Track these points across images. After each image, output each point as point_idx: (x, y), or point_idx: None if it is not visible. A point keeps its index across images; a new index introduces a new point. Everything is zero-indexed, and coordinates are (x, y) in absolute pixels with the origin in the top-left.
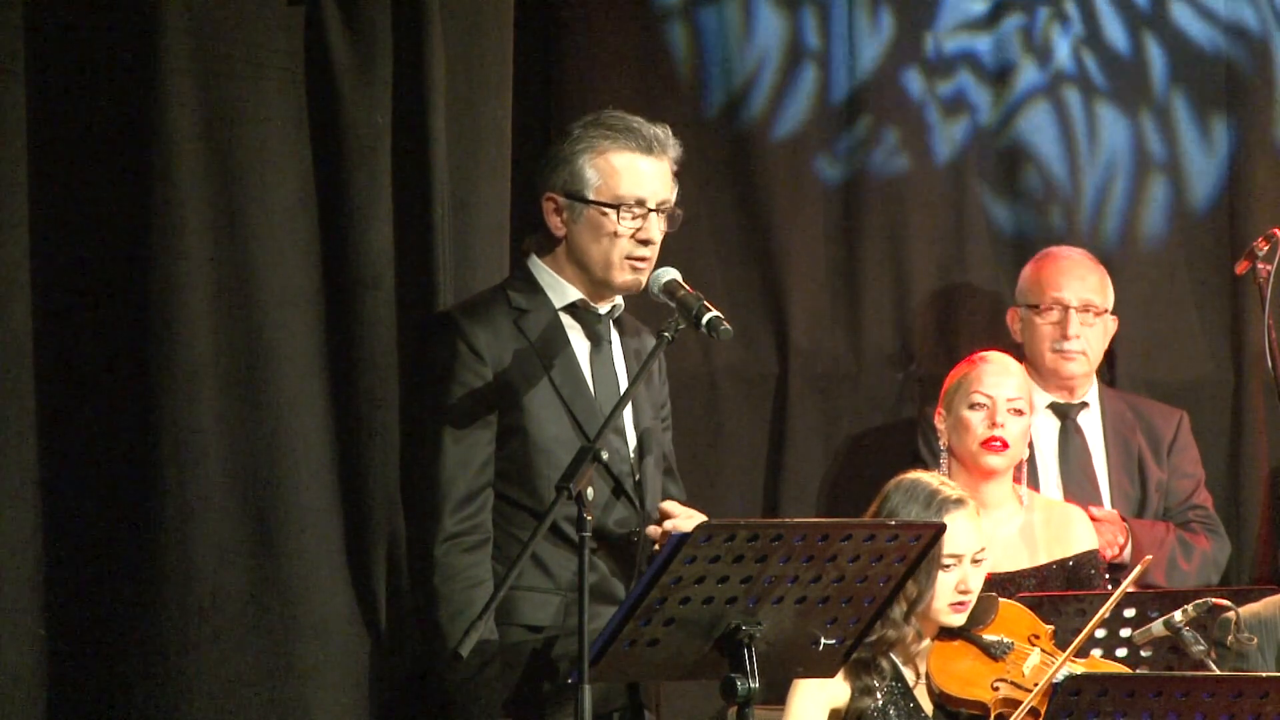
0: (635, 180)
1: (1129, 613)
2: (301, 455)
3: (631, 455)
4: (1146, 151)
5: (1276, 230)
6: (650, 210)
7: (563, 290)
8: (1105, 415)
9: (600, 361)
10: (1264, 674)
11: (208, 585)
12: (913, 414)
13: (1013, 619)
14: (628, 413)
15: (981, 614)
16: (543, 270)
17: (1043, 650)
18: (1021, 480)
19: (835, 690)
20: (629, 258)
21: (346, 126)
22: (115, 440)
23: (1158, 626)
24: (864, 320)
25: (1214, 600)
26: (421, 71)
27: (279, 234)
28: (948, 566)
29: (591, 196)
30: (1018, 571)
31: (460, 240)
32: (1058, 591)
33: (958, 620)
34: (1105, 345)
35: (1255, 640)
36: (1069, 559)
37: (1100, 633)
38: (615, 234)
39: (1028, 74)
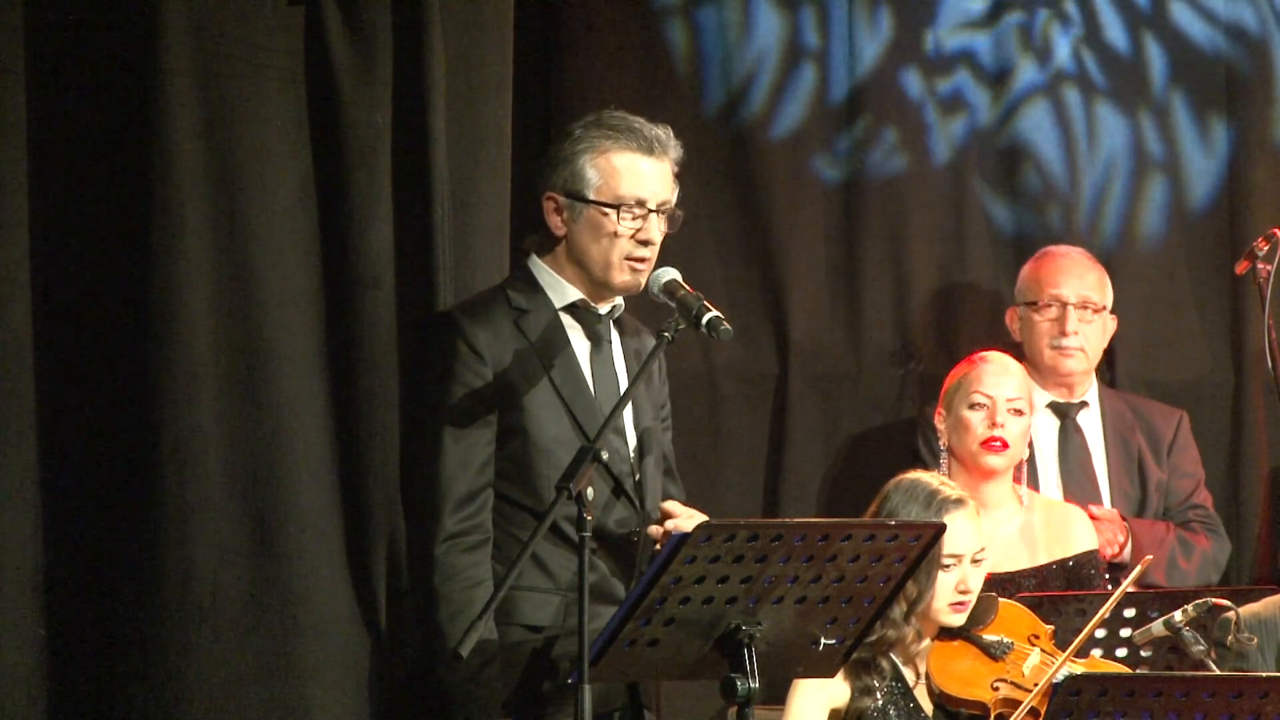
0: (636, 181)
1: (1129, 613)
2: (301, 455)
3: (631, 455)
4: (1145, 151)
5: (1276, 230)
6: (650, 211)
7: (563, 290)
8: (1105, 415)
9: (600, 361)
10: (1264, 674)
11: (208, 585)
12: (913, 414)
13: (1013, 619)
14: (628, 413)
15: (981, 614)
16: (543, 270)
17: (1043, 650)
18: (1021, 480)
19: (835, 690)
20: (629, 258)
21: (346, 126)
22: (115, 440)
23: (1158, 626)
24: (864, 320)
25: (1214, 600)
26: (421, 71)
27: (279, 234)
28: (948, 566)
29: (592, 196)
30: (1018, 571)
31: (460, 240)
32: (1058, 591)
33: (958, 620)
34: (1104, 344)
35: (1255, 640)
36: (1069, 559)
37: (1100, 633)
38: (615, 234)
39: (1027, 73)
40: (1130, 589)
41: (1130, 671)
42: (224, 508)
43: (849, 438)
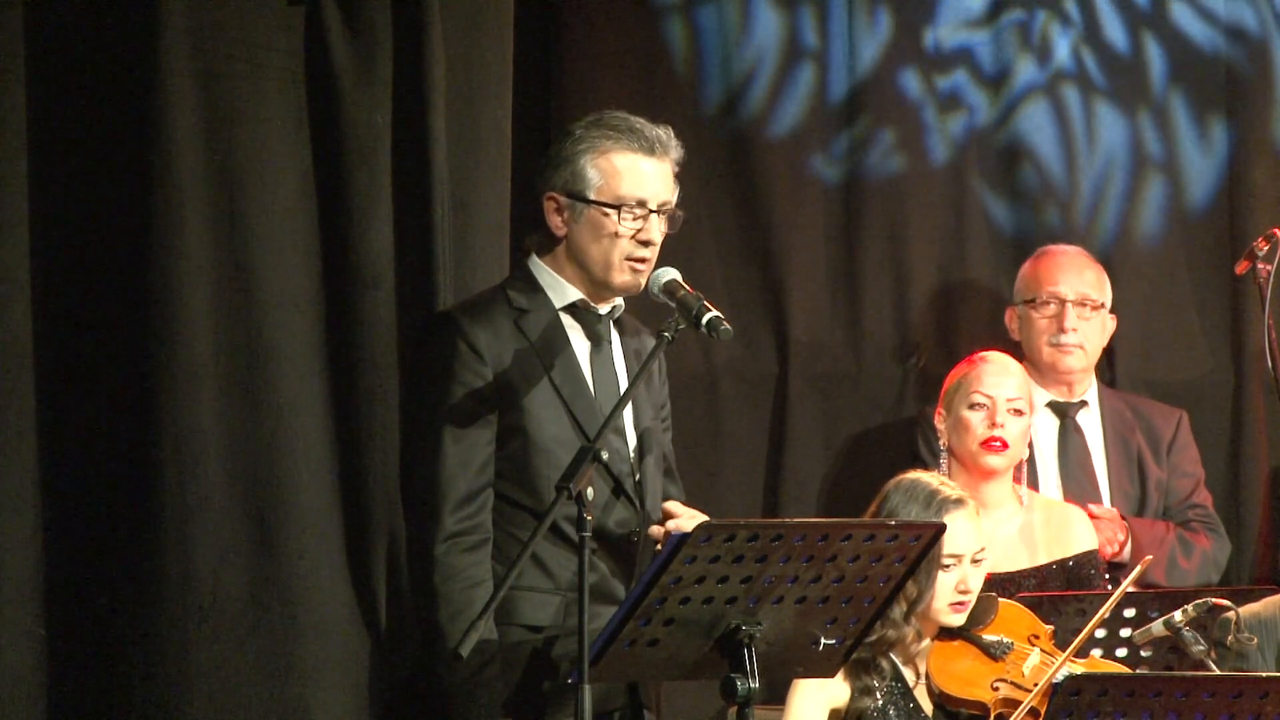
0: (637, 181)
1: (1129, 613)
2: (301, 455)
3: (631, 455)
4: (1144, 151)
5: (1276, 230)
6: (651, 211)
7: (563, 290)
8: (1104, 414)
9: (600, 362)
10: (1264, 674)
11: (208, 585)
12: (913, 414)
13: (1013, 619)
14: (628, 413)
15: (981, 614)
16: (543, 270)
17: (1043, 650)
18: (1021, 480)
19: (835, 690)
20: (629, 259)
21: (346, 126)
22: (115, 440)
23: (1158, 626)
24: (864, 320)
25: (1214, 600)
26: (421, 71)
27: (279, 234)
28: (948, 566)
29: (593, 196)
30: (1018, 571)
31: (460, 240)
32: (1058, 591)
33: (958, 620)
34: (1104, 342)
35: (1255, 640)
36: (1069, 559)
37: (1100, 633)
38: (616, 234)
39: (1027, 72)
40: (1130, 589)
41: (1130, 671)
42: (224, 508)
43: (849, 438)
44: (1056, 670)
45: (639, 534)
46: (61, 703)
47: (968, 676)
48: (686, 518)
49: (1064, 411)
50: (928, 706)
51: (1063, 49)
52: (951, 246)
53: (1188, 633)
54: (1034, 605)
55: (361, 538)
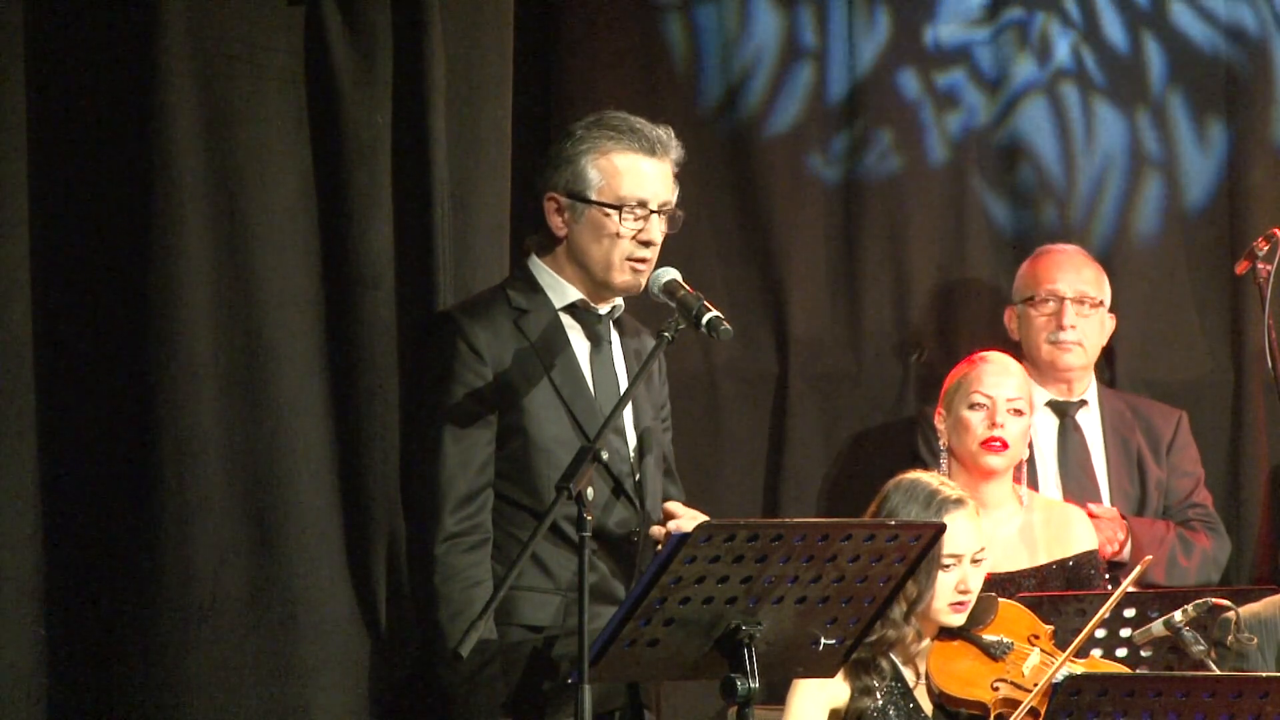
0: (638, 181)
1: (1129, 613)
2: (301, 455)
3: (631, 455)
4: (1143, 150)
5: (1276, 230)
6: (652, 212)
7: (563, 290)
8: (1104, 414)
9: (600, 362)
10: (1264, 674)
11: (208, 585)
12: (913, 414)
13: (1013, 619)
14: (628, 413)
15: (981, 614)
16: (543, 270)
17: (1043, 650)
18: (1021, 480)
19: (835, 690)
20: (630, 259)
21: (346, 126)
22: (115, 440)
23: (1158, 626)
24: (864, 320)
25: (1214, 600)
26: (421, 71)
27: (279, 234)
28: (947, 566)
29: (594, 197)
30: (1018, 571)
31: (460, 240)
32: (1058, 591)
33: (957, 620)
34: (1103, 341)
35: (1255, 640)
36: (1069, 559)
37: (1100, 633)
38: (617, 235)
39: (1026, 70)
40: (1130, 589)
41: (1130, 671)
42: (224, 508)
43: (849, 438)
44: (1056, 670)
45: (639, 534)
46: (61, 703)
47: (968, 676)
48: (687, 518)
49: (1063, 410)
50: (928, 706)
51: (1062, 48)
52: (951, 246)
53: (1188, 633)
54: (1034, 605)
55: (361, 538)
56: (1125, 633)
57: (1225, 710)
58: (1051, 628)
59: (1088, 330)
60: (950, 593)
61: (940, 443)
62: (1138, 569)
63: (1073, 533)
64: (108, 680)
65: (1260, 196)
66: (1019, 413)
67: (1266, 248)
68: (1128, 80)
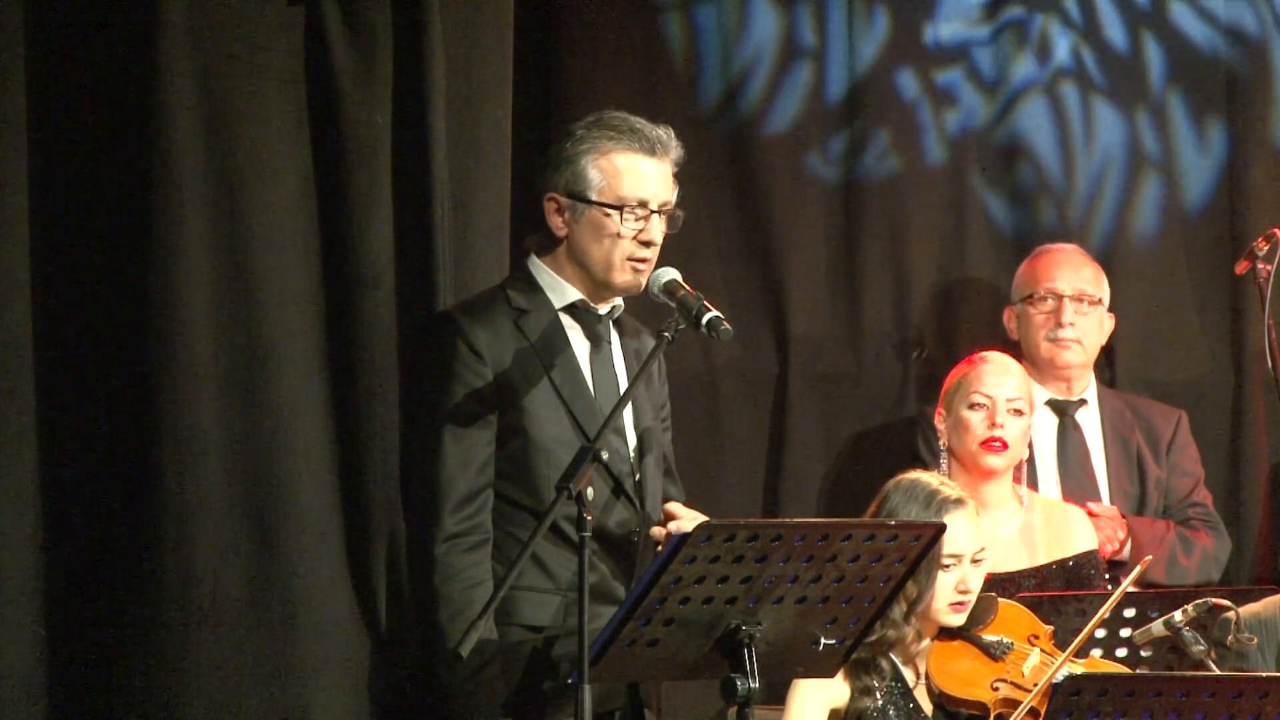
0: (638, 181)
1: (1129, 613)
2: (301, 455)
3: (631, 455)
4: (1142, 150)
5: (1276, 230)
6: (652, 212)
7: (563, 290)
8: (1104, 413)
9: (600, 362)
10: (1264, 674)
11: (208, 585)
12: (913, 414)
13: (1012, 619)
14: (628, 413)
15: (981, 614)
16: (543, 270)
17: (1042, 650)
18: (1021, 479)
19: (835, 690)
20: (630, 259)
21: (346, 126)
22: (115, 440)
23: (1158, 626)
24: (864, 319)
25: (1214, 600)
26: (421, 71)
27: (279, 234)
28: (947, 566)
29: (594, 197)
30: (1018, 571)
31: (460, 240)
32: (1058, 591)
33: (957, 620)
34: (1102, 340)
35: (1255, 640)
36: (1069, 559)
37: (1100, 633)
38: (617, 235)
39: (1026, 70)
40: (1130, 589)
41: (1130, 671)
42: (224, 508)
43: (849, 438)
44: (1056, 670)
45: (639, 534)
46: (61, 703)
47: (968, 676)
48: (687, 518)
49: (1063, 409)
50: (928, 707)
51: (1062, 48)
52: (951, 246)
53: (1188, 633)
54: (1034, 605)
55: (361, 538)
56: (1125, 633)
57: (1225, 710)
58: (1051, 628)
59: (1087, 328)
60: (950, 593)
61: (940, 443)
62: (1138, 569)
63: (1073, 533)
64: (108, 680)
65: (1260, 196)
66: (1019, 413)
67: (1266, 248)
68: (1127, 80)
